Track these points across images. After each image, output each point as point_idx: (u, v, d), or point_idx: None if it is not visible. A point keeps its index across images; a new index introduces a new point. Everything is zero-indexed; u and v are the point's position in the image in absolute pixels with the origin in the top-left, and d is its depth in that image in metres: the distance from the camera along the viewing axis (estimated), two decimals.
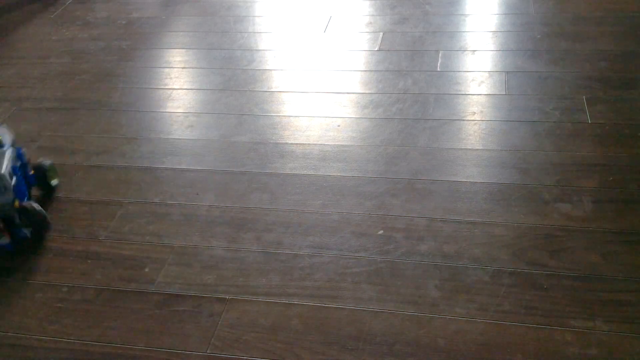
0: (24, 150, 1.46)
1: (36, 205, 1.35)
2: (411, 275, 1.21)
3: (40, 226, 1.36)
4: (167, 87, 1.92)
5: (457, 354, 1.06)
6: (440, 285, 1.19)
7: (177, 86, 1.92)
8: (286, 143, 1.61)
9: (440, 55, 1.94)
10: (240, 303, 1.19)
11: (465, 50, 1.96)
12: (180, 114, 1.78)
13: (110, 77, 2.00)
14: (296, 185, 1.47)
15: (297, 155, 1.57)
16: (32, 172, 1.47)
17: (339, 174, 1.49)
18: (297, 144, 1.61)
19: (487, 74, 1.83)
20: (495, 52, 1.94)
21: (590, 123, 1.59)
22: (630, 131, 1.55)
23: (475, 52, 1.94)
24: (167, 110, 1.81)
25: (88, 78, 2.01)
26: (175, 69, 2.02)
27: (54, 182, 1.51)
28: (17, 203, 1.33)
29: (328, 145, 1.59)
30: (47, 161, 1.50)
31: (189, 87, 1.90)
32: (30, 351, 1.13)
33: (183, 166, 1.57)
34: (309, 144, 1.60)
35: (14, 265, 1.32)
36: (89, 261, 1.31)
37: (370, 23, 2.18)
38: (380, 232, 1.32)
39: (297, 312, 1.16)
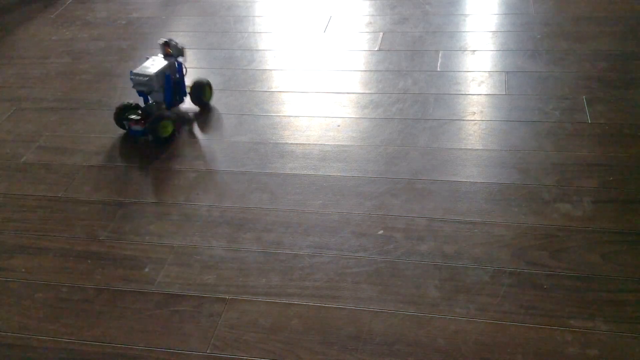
0: (185, 65, 1.74)
1: (164, 116, 1.61)
2: (411, 275, 1.21)
3: (155, 132, 1.62)
4: None
5: (457, 354, 1.06)
6: (440, 285, 1.19)
7: None
8: (286, 143, 1.62)
9: (440, 55, 1.94)
10: (240, 303, 1.19)
11: (465, 50, 1.96)
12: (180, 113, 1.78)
13: (110, 77, 2.00)
14: (296, 185, 1.47)
15: (297, 155, 1.57)
16: (189, 89, 1.75)
17: (339, 174, 1.49)
18: (297, 144, 1.61)
19: (487, 74, 1.83)
20: (495, 52, 1.94)
21: (590, 123, 1.59)
22: (630, 131, 1.55)
23: (475, 52, 1.94)
24: None
25: (88, 78, 2.01)
26: None
27: (208, 99, 1.79)
28: (162, 106, 1.67)
29: (328, 145, 1.59)
30: (204, 80, 1.77)
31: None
32: (30, 351, 1.13)
33: (184, 166, 1.57)
34: (309, 144, 1.60)
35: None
36: (89, 261, 1.31)
37: (370, 23, 2.18)
38: (380, 232, 1.32)
39: (297, 312, 1.16)
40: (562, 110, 1.64)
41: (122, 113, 1.67)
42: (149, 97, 1.69)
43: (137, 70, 1.65)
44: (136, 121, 1.65)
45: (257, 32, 2.19)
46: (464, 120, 1.64)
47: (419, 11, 2.23)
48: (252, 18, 2.30)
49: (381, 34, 2.10)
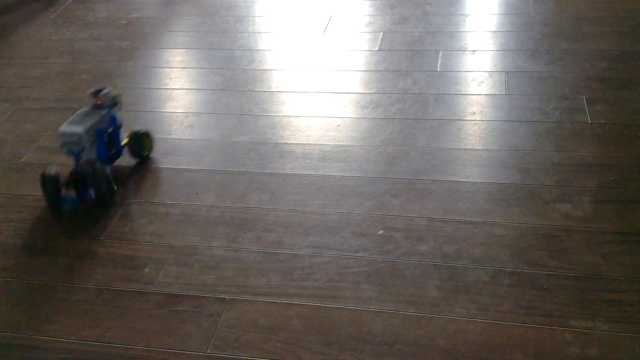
0: (120, 117, 1.53)
1: (104, 169, 1.42)
2: (411, 275, 1.21)
3: (101, 190, 1.42)
4: (167, 87, 1.92)
5: (457, 354, 1.06)
6: (440, 285, 1.19)
7: (177, 86, 1.92)
8: (286, 143, 1.61)
9: (440, 55, 1.94)
10: (240, 303, 1.19)
11: (465, 50, 1.96)
12: (180, 114, 1.78)
13: (110, 77, 2.00)
14: (296, 185, 1.47)
15: (297, 155, 1.57)
16: (125, 140, 1.56)
17: (339, 174, 1.49)
18: (297, 144, 1.61)
19: (487, 74, 1.83)
20: (495, 52, 1.94)
21: (590, 123, 1.59)
22: (630, 131, 1.55)
23: (475, 52, 1.95)
24: (167, 110, 1.81)
25: (88, 78, 2.01)
26: (175, 69, 2.02)
27: (146, 153, 1.59)
28: (98, 163, 1.43)
29: (328, 145, 1.59)
30: (142, 130, 1.58)
31: (189, 87, 1.91)
32: (30, 351, 1.13)
33: (183, 166, 1.57)
34: (309, 144, 1.60)
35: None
36: (89, 261, 1.31)
37: (370, 23, 2.18)
38: (380, 232, 1.32)
39: (297, 312, 1.16)
40: (562, 110, 1.64)
41: (53, 186, 1.42)
42: (78, 158, 1.45)
43: (64, 128, 1.42)
44: (66, 186, 1.43)
45: (257, 32, 2.19)
46: (464, 120, 1.64)
47: (419, 11, 2.23)
48: (252, 18, 2.30)
49: (381, 34, 2.10)
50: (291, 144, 1.61)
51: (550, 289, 1.16)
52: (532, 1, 2.22)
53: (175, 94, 1.89)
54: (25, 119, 1.82)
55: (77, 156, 1.45)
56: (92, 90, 1.48)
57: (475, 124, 1.62)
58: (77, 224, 1.41)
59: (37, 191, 1.52)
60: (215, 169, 1.55)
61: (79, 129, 1.42)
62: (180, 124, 1.74)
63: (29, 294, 1.25)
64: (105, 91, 1.48)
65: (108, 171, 1.44)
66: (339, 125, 1.67)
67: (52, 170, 1.42)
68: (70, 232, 1.39)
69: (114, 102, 1.51)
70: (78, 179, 1.43)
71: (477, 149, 1.53)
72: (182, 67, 2.02)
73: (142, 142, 1.58)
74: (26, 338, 1.16)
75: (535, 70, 1.82)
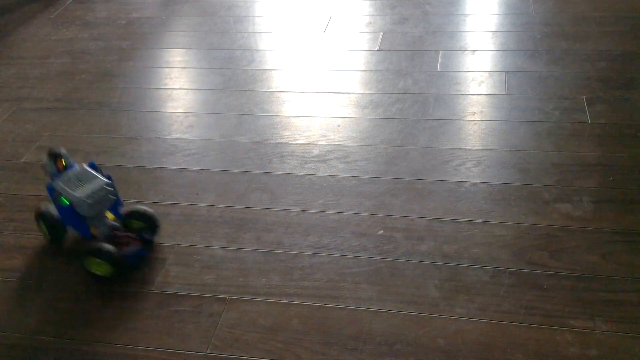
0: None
1: (143, 207, 1.32)
2: (411, 275, 1.21)
3: (155, 224, 1.32)
4: (167, 87, 1.92)
5: (457, 354, 1.06)
6: (440, 285, 1.19)
7: (177, 86, 1.92)
8: (286, 143, 1.61)
9: (440, 55, 1.94)
10: (240, 303, 1.19)
11: (465, 50, 1.96)
12: (180, 114, 1.78)
13: (110, 77, 2.00)
14: (296, 185, 1.47)
15: (297, 155, 1.57)
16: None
17: (339, 174, 1.49)
18: (297, 144, 1.61)
19: (487, 74, 1.83)
20: (495, 52, 1.94)
21: (590, 123, 1.59)
22: (630, 131, 1.55)
23: (475, 52, 1.95)
24: (167, 110, 1.81)
25: (88, 78, 2.01)
26: (175, 69, 2.02)
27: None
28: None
29: (328, 145, 1.59)
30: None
31: (189, 87, 1.91)
32: (30, 351, 1.13)
33: (183, 166, 1.57)
34: (309, 144, 1.60)
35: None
36: None
37: (370, 23, 2.18)
38: (380, 232, 1.32)
39: (297, 312, 1.16)
40: (562, 110, 1.64)
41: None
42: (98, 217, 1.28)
43: (83, 193, 1.23)
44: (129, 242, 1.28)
45: (257, 32, 2.19)
46: (464, 120, 1.64)
47: (419, 11, 2.23)
48: (252, 18, 2.30)
49: (381, 34, 2.10)
50: (291, 144, 1.61)
51: (550, 289, 1.16)
52: (532, 1, 2.22)
53: (175, 94, 1.89)
54: (25, 119, 1.82)
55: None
56: (48, 152, 1.27)
57: (475, 124, 1.62)
58: None
59: (37, 191, 1.52)
60: (215, 169, 1.55)
61: (100, 182, 1.25)
62: (180, 124, 1.74)
63: (29, 294, 1.25)
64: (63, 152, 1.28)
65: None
66: (339, 125, 1.67)
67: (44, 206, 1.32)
68: (70, 232, 1.39)
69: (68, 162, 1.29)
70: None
71: (477, 149, 1.53)
72: (182, 67, 2.02)
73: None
74: (26, 338, 1.16)
75: (535, 70, 1.82)
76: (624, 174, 1.41)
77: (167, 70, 2.02)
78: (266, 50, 2.07)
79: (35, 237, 1.39)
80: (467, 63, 1.90)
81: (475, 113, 1.67)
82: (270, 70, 1.96)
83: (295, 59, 2.00)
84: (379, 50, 2.01)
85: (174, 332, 1.14)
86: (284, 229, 1.35)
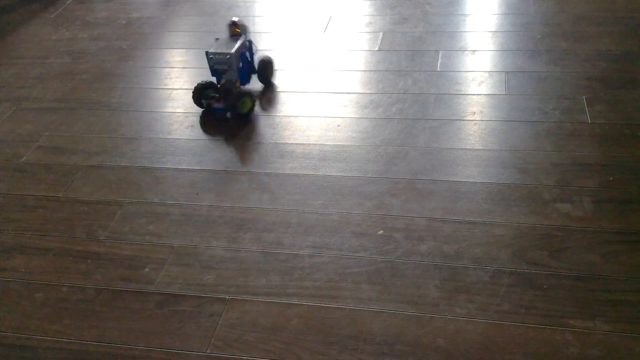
0: (255, 43, 1.83)
1: (243, 93, 1.70)
2: (411, 275, 1.21)
3: (243, 103, 1.70)
4: (167, 87, 1.92)
5: (457, 354, 1.06)
6: (440, 285, 1.19)
7: (177, 86, 1.92)
8: (286, 143, 1.62)
9: (440, 55, 1.94)
10: (240, 303, 1.19)
11: (465, 50, 1.96)
12: (180, 114, 1.78)
13: (110, 77, 2.00)
14: (296, 185, 1.47)
15: (297, 155, 1.57)
16: (256, 66, 1.82)
17: (339, 174, 1.49)
18: (297, 144, 1.61)
19: (487, 74, 1.83)
20: (495, 52, 1.94)
21: (590, 123, 1.59)
22: (630, 131, 1.55)
23: (475, 52, 1.94)
24: (167, 110, 1.81)
25: (88, 78, 2.01)
26: (175, 69, 2.02)
27: (271, 78, 1.87)
28: (237, 83, 1.75)
29: (328, 145, 1.59)
30: (270, 58, 1.85)
31: (189, 87, 1.90)
32: (30, 351, 1.13)
33: (183, 166, 1.57)
34: (309, 144, 1.60)
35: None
36: (89, 261, 1.31)
37: (370, 23, 2.18)
38: (380, 232, 1.32)
39: (297, 312, 1.16)
40: (562, 110, 1.64)
41: (201, 92, 1.75)
42: (223, 76, 1.75)
43: (215, 50, 1.73)
44: (217, 99, 1.72)
45: (257, 32, 2.19)
46: (464, 120, 1.64)
47: (419, 11, 2.23)
48: (252, 18, 2.30)
49: (381, 34, 2.10)
50: (291, 144, 1.61)
51: (550, 289, 1.16)
52: (532, 1, 2.22)
53: (175, 94, 1.89)
54: (25, 119, 1.82)
55: (219, 76, 1.76)
56: (230, 20, 1.77)
57: (475, 124, 1.62)
58: (77, 223, 1.41)
59: (37, 191, 1.52)
60: (215, 169, 1.55)
61: (229, 50, 1.71)
62: (180, 124, 1.74)
63: (29, 294, 1.25)
64: (241, 22, 1.76)
65: (249, 90, 1.73)
66: (339, 125, 1.67)
67: (200, 83, 1.75)
68: (70, 232, 1.39)
69: (246, 31, 1.79)
70: (227, 94, 1.72)
71: (477, 149, 1.53)
72: (182, 67, 2.02)
73: (269, 68, 1.84)
74: (26, 338, 1.16)
75: (535, 70, 1.82)
76: (624, 174, 1.41)
77: (167, 70, 2.02)
78: (266, 50, 2.07)
79: (36, 237, 1.39)
80: (467, 63, 1.89)
81: (475, 113, 1.67)
82: None
83: (295, 59, 2.00)
84: (379, 50, 2.01)
85: (174, 332, 1.14)
86: (284, 229, 1.35)
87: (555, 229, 1.29)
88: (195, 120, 1.75)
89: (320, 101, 1.78)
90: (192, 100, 1.77)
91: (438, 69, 1.87)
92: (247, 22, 2.27)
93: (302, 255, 1.28)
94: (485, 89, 1.77)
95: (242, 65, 1.77)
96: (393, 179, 1.46)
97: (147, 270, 1.28)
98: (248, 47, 1.79)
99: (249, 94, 1.71)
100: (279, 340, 1.11)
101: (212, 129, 1.70)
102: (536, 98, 1.70)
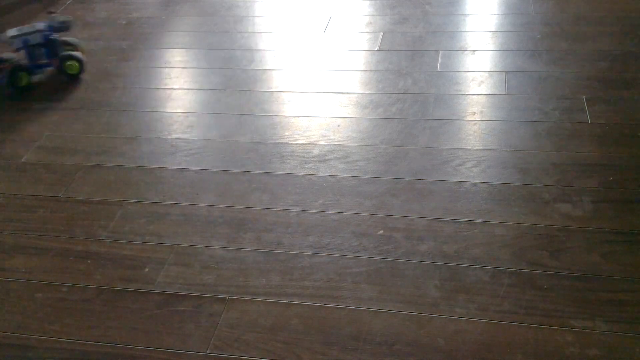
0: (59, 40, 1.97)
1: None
2: (411, 275, 1.21)
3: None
4: (167, 87, 1.92)
5: (457, 354, 1.06)
6: (440, 285, 1.19)
7: (177, 86, 1.92)
8: (286, 143, 1.62)
9: (440, 55, 1.94)
10: (240, 303, 1.19)
11: (465, 50, 1.96)
12: (180, 114, 1.78)
13: (110, 77, 2.00)
14: (296, 185, 1.47)
15: (297, 155, 1.57)
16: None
17: (339, 174, 1.49)
18: (297, 144, 1.61)
19: (487, 74, 1.83)
20: (495, 52, 1.94)
21: (590, 123, 1.59)
22: (630, 131, 1.55)
23: (475, 52, 1.95)
24: (167, 110, 1.81)
25: (88, 78, 2.00)
26: (175, 69, 2.02)
27: (73, 72, 2.00)
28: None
29: (328, 145, 1.59)
30: (70, 54, 1.97)
31: (189, 87, 1.91)
32: (30, 351, 1.13)
33: (183, 166, 1.57)
34: (309, 144, 1.60)
35: None
36: (89, 261, 1.31)
37: (370, 23, 2.18)
38: (380, 232, 1.32)
39: (297, 312, 1.16)
40: (562, 110, 1.64)
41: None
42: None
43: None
44: None
45: (257, 32, 2.19)
46: (464, 120, 1.64)
47: (419, 11, 2.23)
48: (252, 18, 2.30)
49: (381, 34, 2.10)
50: (291, 144, 1.61)
51: (550, 289, 1.16)
52: (532, 1, 2.22)
53: (175, 94, 1.89)
54: (25, 119, 1.82)
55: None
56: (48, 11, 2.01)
57: (475, 124, 1.62)
58: (77, 223, 1.41)
59: (37, 191, 1.52)
60: (215, 169, 1.55)
61: (11, 32, 1.91)
62: (180, 124, 1.74)
63: (29, 294, 1.25)
64: (55, 15, 1.94)
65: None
66: (339, 125, 1.67)
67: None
68: (70, 232, 1.39)
69: (62, 26, 1.95)
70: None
71: (477, 149, 1.53)
72: (182, 67, 2.02)
73: (68, 64, 1.96)
74: (26, 338, 1.16)
75: (535, 70, 1.82)
76: (624, 174, 1.41)
77: (167, 70, 2.02)
78: (266, 50, 2.07)
79: (36, 237, 1.39)
80: (467, 63, 1.90)
81: (475, 113, 1.67)
82: (270, 70, 1.96)
83: (295, 59, 2.00)
84: (379, 50, 2.01)
85: (174, 332, 1.14)
86: (284, 229, 1.35)
87: (555, 229, 1.29)
88: (195, 120, 1.75)
89: (320, 101, 1.78)
90: (191, 100, 1.77)
91: (438, 69, 1.87)
92: (247, 22, 2.27)
93: (302, 255, 1.28)
94: (485, 89, 1.77)
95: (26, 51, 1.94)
96: (393, 179, 1.46)
97: (147, 270, 1.28)
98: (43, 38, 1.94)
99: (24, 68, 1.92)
100: (279, 340, 1.11)
101: (212, 129, 1.70)
102: (536, 98, 1.70)
